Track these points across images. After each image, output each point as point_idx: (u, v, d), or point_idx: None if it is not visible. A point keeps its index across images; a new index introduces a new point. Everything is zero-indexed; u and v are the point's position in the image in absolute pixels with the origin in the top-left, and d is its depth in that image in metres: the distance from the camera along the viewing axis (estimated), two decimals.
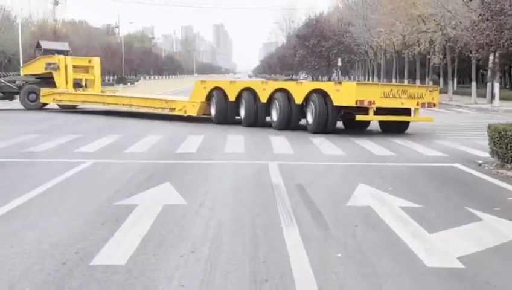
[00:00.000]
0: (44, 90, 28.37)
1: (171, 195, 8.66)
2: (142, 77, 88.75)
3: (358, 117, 17.47)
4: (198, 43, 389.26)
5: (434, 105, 18.66)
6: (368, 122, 18.96)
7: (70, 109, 28.43)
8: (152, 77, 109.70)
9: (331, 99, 17.70)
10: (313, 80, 75.15)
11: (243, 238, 6.49)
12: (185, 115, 21.98)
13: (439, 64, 46.82)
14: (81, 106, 28.55)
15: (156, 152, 13.47)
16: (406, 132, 18.59)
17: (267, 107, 19.53)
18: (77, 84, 29.82)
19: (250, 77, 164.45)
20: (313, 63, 77.14)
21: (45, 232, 6.61)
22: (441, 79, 52.98)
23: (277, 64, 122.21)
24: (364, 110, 17.39)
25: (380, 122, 18.93)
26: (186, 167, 11.41)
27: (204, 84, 22.00)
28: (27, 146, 14.15)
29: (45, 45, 33.82)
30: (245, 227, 6.98)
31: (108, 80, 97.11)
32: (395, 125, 18.52)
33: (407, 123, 18.69)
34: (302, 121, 18.97)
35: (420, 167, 11.82)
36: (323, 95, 17.91)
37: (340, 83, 19.05)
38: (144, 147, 14.31)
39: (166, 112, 23.18)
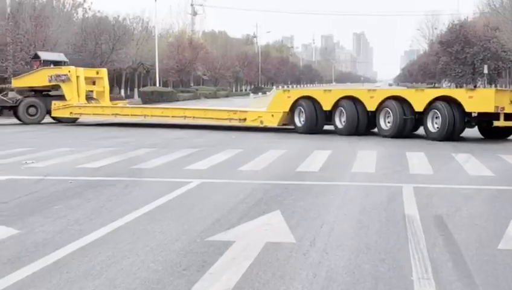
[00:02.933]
0: (57, 104, 26.87)
1: (277, 228, 7.15)
2: (274, 86, 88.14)
3: (496, 123, 17.61)
4: (338, 51, 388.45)
5: None
6: (510, 130, 18.75)
7: (69, 122, 27.04)
8: (290, 86, 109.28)
9: (461, 106, 17.68)
10: (456, 88, 71.49)
11: None
12: (261, 125, 21.36)
13: None
14: (100, 118, 27.01)
15: (274, 171, 12.02)
16: None
17: (374, 116, 19.32)
18: (89, 97, 28.09)
19: (390, 85, 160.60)
20: (456, 71, 73.29)
21: (109, 281, 5.28)
22: None
23: (418, 72, 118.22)
24: (495, 117, 17.53)
25: (482, 129, 19.10)
26: (303, 189, 9.87)
27: (288, 93, 21.91)
28: (138, 162, 13.16)
29: (43, 55, 31.82)
30: (364, 279, 5.37)
31: (245, 90, 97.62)
32: (499, 132, 18.59)
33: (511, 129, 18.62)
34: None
35: None
36: (450, 102, 17.85)
37: (473, 89, 19.54)
38: (261, 164, 12.90)
39: (234, 123, 22.19)
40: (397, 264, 5.81)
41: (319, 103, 20.30)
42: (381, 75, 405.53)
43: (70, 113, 26.77)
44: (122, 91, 63.15)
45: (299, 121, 20.72)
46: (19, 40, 37.53)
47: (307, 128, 20.39)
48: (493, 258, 6.04)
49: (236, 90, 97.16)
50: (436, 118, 17.96)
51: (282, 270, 5.59)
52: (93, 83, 28.43)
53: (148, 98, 54.21)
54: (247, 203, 8.66)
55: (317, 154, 14.68)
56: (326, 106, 20.13)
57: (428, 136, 18.17)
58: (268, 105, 22.07)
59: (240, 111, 22.75)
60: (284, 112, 20.92)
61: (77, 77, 27.19)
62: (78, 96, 27.11)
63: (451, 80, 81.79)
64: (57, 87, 27.72)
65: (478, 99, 17.59)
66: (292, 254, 6.10)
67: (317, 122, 20.44)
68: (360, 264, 5.81)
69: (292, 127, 21.18)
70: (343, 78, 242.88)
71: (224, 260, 5.86)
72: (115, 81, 66.70)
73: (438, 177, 11.32)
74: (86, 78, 27.80)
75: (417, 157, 14.10)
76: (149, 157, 14.04)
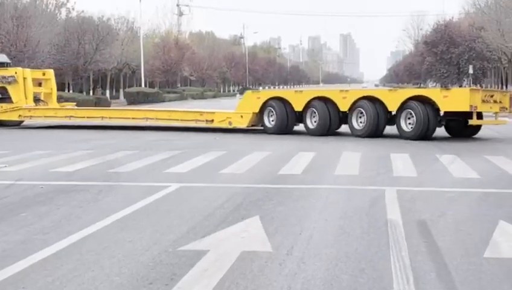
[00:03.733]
0: (3, 106, 25.37)
1: (255, 236, 6.83)
2: (261, 87, 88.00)
3: (471, 122, 18.11)
4: (325, 52, 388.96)
5: (506, 109, 19.20)
6: (479, 128, 19.56)
7: (13, 125, 25.57)
8: (277, 87, 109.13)
9: (435, 106, 18.15)
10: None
11: None
12: (230, 126, 21.31)
13: None
14: (50, 121, 25.65)
15: (256, 174, 11.67)
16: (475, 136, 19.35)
17: (346, 116, 19.62)
18: (36, 99, 26.45)
19: (376, 86, 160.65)
20: (441, 71, 73.11)
21: None
22: None
23: (404, 72, 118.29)
24: (468, 115, 18.12)
25: (448, 126, 19.61)
26: (284, 193, 9.55)
27: (258, 94, 22.07)
28: (116, 165, 12.79)
29: None
30: None
31: (233, 90, 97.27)
32: (464, 130, 19.24)
33: (478, 127, 19.44)
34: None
35: None
36: (424, 101, 18.22)
37: (448, 89, 20.34)
38: (244, 167, 12.56)
39: (201, 124, 22.09)
40: (377, 274, 5.51)
41: (290, 104, 20.44)
42: (368, 75, 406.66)
43: (19, 116, 25.47)
44: (108, 92, 62.58)
45: (269, 121, 20.84)
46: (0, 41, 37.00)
47: (278, 128, 20.49)
48: (479, 267, 5.74)
49: (224, 91, 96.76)
50: (409, 117, 18.37)
51: (256, 283, 5.26)
52: (39, 85, 26.93)
53: (134, 99, 53.76)
54: (226, 208, 8.34)
55: (301, 155, 14.37)
56: (298, 107, 20.29)
57: (402, 136, 18.47)
58: (237, 106, 22.17)
59: (207, 112, 22.60)
60: (253, 113, 21.00)
61: (24, 78, 25.85)
62: (26, 98, 25.77)
63: (436, 80, 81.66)
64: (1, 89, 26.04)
65: (453, 99, 18.08)
66: (267, 264, 5.78)
67: (288, 123, 20.58)
68: (338, 274, 5.50)
69: (261, 128, 21.26)
70: (330, 79, 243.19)
71: (195, 272, 5.53)
72: (99, 81, 66.26)
73: (421, 179, 11.04)
74: (33, 80, 26.39)
75: (401, 158, 13.83)
76: (128, 160, 13.66)
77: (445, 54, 70.83)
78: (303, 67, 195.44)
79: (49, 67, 45.68)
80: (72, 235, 6.81)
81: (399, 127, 18.64)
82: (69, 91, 51.84)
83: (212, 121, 21.83)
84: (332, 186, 10.22)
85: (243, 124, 21.21)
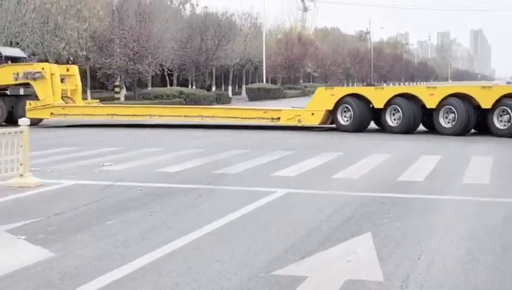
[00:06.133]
0: (32, 104, 23.94)
1: (364, 260, 5.79)
2: (385, 84, 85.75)
3: None
4: (454, 49, 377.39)
5: None
6: None
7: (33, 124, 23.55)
8: (402, 84, 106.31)
9: None
10: None
11: None
12: (299, 124, 20.69)
13: None
14: (85, 119, 24.31)
15: (373, 180, 10.55)
16: None
17: (432, 114, 19.09)
18: (63, 96, 24.97)
19: (508, 83, 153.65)
20: None
21: None
22: None
23: None
24: None
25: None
26: (403, 205, 8.39)
27: (332, 91, 21.20)
28: (223, 166, 12.04)
29: (4, 51, 28.10)
30: None
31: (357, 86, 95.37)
32: None
33: None
34: None
35: None
36: None
37: None
38: (360, 171, 11.46)
39: (266, 122, 21.17)
40: None
41: (368, 101, 19.94)
42: (500, 72, 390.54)
43: (51, 114, 24.05)
44: (230, 88, 62.63)
45: (343, 119, 20.29)
46: (123, 36, 37.38)
47: (354, 126, 19.94)
48: None
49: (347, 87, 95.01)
50: (504, 114, 18.17)
51: None
52: (61, 81, 25.33)
53: (255, 95, 53.44)
54: (334, 221, 7.32)
55: (424, 159, 13.09)
56: (378, 104, 19.74)
57: (495, 134, 18.19)
58: (308, 104, 21.50)
59: (272, 110, 21.89)
60: (326, 110, 20.42)
61: (52, 74, 24.55)
62: (54, 95, 24.36)
63: None
64: (24, 85, 24.98)
65: None
66: None
67: (365, 120, 20.21)
68: None
69: (333, 125, 20.70)
70: (459, 75, 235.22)
71: None
72: (222, 77, 66.51)
73: None
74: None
75: None
76: (236, 160, 12.89)
77: None
78: (431, 63, 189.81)
79: (172, 63, 46.31)
80: (156, 251, 6.02)
81: (494, 126, 18.37)
82: (192, 87, 52.10)
83: (279, 118, 21.20)
84: (459, 198, 8.96)
85: (314, 121, 20.64)
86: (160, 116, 23.29)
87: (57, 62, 33.29)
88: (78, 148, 15.75)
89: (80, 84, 25.95)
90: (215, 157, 13.42)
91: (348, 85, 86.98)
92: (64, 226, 7.13)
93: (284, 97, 56.28)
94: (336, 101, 20.23)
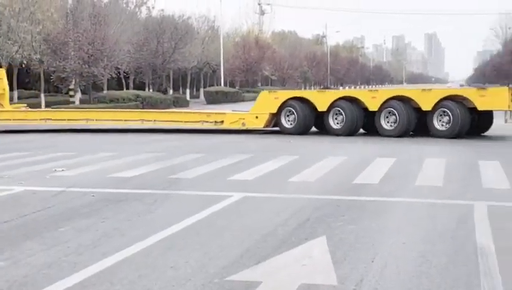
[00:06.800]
0: None
1: (318, 263, 5.78)
2: (341, 87, 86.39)
3: None
4: (409, 52, 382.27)
5: None
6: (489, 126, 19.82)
7: None
8: (358, 87, 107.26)
9: (471, 105, 18.37)
10: None
11: None
12: (243, 128, 20.80)
13: None
14: (12, 124, 22.83)
15: (328, 183, 10.58)
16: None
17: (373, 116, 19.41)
18: None
19: (461, 86, 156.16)
20: None
21: None
22: None
23: (492, 72, 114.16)
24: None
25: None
26: (357, 208, 8.42)
27: (275, 94, 21.25)
28: (179, 170, 11.94)
29: None
30: None
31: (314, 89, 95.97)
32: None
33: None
34: None
35: None
36: (459, 101, 18.53)
37: (485, 88, 19.87)
38: (316, 174, 11.48)
39: (208, 126, 21.08)
40: None
41: (311, 104, 20.06)
42: (453, 76, 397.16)
43: None
44: (188, 91, 62.35)
45: (287, 122, 20.40)
46: (77, 39, 36.91)
47: (297, 129, 20.10)
48: None
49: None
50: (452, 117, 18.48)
51: None
52: None
53: (213, 98, 53.33)
54: (289, 225, 7.31)
55: (379, 162, 13.18)
56: (321, 107, 19.90)
57: (436, 135, 18.57)
58: (252, 107, 21.47)
59: (216, 113, 21.77)
60: (270, 114, 20.49)
61: None
62: None
63: None
64: None
65: (490, 98, 18.41)
66: None
67: (309, 123, 20.35)
68: None
69: (277, 128, 20.70)
70: (414, 78, 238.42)
71: None
72: (180, 81, 66.21)
73: None
74: None
75: (491, 166, 12.45)
76: (193, 164, 12.80)
77: None
78: (386, 67, 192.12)
79: (128, 66, 45.86)
80: (107, 258, 5.93)
81: (434, 127, 18.73)
82: (149, 90, 51.72)
83: (222, 122, 21.11)
84: (412, 200, 9.02)
85: (259, 125, 20.68)
86: (97, 120, 22.48)
87: (10, 66, 32.70)
88: (29, 153, 15.46)
89: (7, 88, 24.15)
90: (172, 162, 13.31)
91: (305, 88, 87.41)
92: (12, 233, 6.97)
93: (243, 100, 56.23)
94: (279, 104, 20.34)
